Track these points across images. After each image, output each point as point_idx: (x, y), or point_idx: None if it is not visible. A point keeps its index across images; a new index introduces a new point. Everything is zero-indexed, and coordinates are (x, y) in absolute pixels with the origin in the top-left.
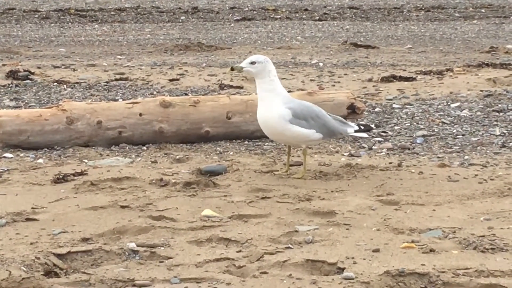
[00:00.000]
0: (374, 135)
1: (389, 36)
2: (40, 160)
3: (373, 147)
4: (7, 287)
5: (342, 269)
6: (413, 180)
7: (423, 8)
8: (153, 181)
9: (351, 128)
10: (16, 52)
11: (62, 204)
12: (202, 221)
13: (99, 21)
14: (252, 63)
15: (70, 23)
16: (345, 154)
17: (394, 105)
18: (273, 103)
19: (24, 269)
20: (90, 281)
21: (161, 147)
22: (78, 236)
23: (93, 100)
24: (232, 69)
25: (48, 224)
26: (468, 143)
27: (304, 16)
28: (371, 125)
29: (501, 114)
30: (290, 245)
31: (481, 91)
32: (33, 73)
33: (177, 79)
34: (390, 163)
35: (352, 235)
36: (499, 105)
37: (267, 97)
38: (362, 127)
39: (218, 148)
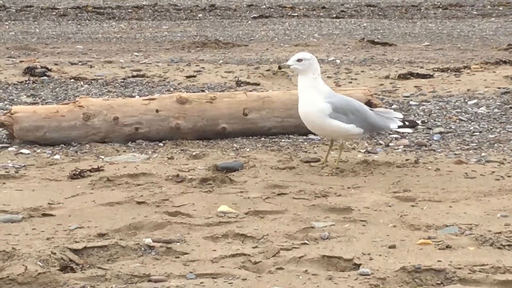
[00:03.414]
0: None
1: (406, 34)
2: (57, 156)
3: (390, 144)
4: (23, 282)
5: (358, 265)
6: (430, 176)
7: (440, 6)
8: (170, 177)
9: (394, 123)
10: (34, 49)
11: (78, 200)
12: (218, 217)
13: (117, 18)
14: (299, 60)
15: (87, 20)
16: (362, 150)
17: (411, 102)
18: (314, 98)
19: (40, 264)
20: (106, 276)
21: (177, 144)
22: (94, 232)
23: (110, 97)
24: (279, 68)
25: (64, 219)
26: (485, 140)
27: (321, 14)
28: (417, 121)
29: None
30: (306, 241)
31: (499, 88)
32: (50, 70)
33: (194, 76)
34: (406, 159)
35: (368, 232)
36: None
37: (309, 93)
38: (407, 123)
39: (235, 145)
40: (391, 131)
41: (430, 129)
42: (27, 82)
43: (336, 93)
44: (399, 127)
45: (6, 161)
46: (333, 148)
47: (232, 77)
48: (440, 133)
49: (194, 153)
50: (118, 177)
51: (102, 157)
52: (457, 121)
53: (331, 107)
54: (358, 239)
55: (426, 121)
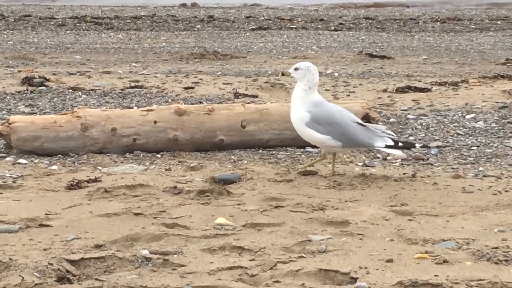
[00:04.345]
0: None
1: (404, 47)
2: (54, 167)
3: (387, 158)
4: None
5: (355, 279)
6: (427, 190)
7: (439, 20)
8: (167, 188)
9: (381, 142)
10: (32, 59)
11: (75, 211)
12: (215, 229)
13: (115, 28)
14: (296, 69)
15: (86, 31)
16: (359, 164)
17: (409, 116)
18: (298, 106)
19: (37, 275)
20: None
21: (175, 155)
22: (91, 243)
23: (108, 107)
24: (283, 74)
25: (61, 230)
26: (482, 155)
27: (319, 26)
28: (414, 142)
29: None
30: (303, 254)
31: (496, 102)
32: (48, 80)
33: (192, 87)
34: (404, 173)
35: (366, 245)
36: None
37: (296, 101)
38: (401, 144)
39: (232, 157)
40: (374, 148)
41: (429, 147)
42: (25, 92)
43: (334, 105)
44: (388, 146)
45: (4, 171)
46: (336, 160)
47: (230, 89)
48: (438, 147)
49: (191, 165)
50: (116, 188)
51: (100, 168)
52: (455, 135)
53: (310, 117)
54: (355, 253)
55: (428, 145)
